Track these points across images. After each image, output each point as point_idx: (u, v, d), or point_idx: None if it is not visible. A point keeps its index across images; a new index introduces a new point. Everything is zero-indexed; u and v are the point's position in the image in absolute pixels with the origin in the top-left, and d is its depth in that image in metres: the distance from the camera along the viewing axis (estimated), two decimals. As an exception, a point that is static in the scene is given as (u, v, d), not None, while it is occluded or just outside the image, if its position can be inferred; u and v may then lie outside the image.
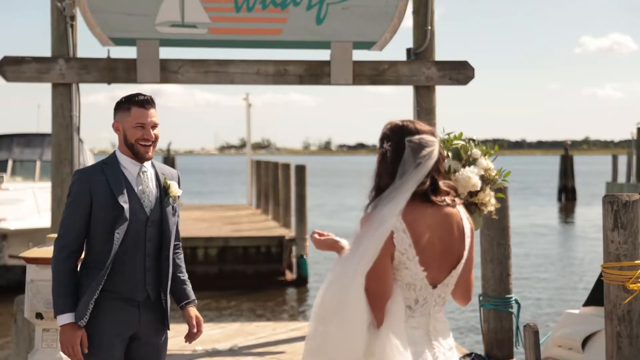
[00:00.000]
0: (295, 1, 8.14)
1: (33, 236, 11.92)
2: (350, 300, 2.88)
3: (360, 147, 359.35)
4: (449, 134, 3.22)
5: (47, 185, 14.16)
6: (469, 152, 3.32)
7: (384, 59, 8.40)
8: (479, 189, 3.26)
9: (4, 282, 15.35)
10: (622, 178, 39.44)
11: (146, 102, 3.87)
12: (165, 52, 8.11)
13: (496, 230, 6.86)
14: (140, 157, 3.87)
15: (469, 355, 6.82)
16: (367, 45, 8.29)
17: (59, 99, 8.11)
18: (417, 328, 2.96)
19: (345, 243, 3.07)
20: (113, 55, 8.17)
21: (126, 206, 3.76)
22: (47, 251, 5.69)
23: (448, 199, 2.96)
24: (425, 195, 2.91)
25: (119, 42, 8.04)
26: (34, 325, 6.01)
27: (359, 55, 8.33)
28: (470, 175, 3.27)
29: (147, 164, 3.92)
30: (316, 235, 3.12)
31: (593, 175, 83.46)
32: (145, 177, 3.89)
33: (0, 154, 18.25)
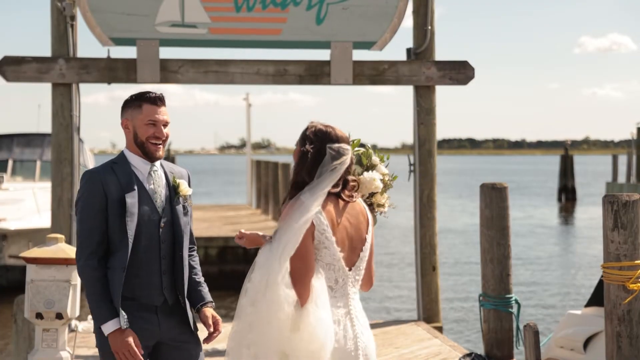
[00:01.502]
0: (295, 1, 8.14)
1: (33, 236, 11.92)
2: (277, 281, 3.19)
3: (360, 147, 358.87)
4: (353, 141, 3.59)
5: (47, 185, 14.15)
6: (369, 159, 3.71)
7: (384, 58, 8.41)
8: (379, 190, 3.64)
9: (4, 282, 15.34)
10: (622, 178, 39.44)
11: (158, 100, 3.78)
12: (165, 52, 8.14)
13: (496, 230, 6.87)
14: (150, 156, 3.77)
15: (469, 355, 6.82)
16: (367, 45, 8.30)
17: (59, 99, 8.11)
18: (340, 307, 3.31)
19: (266, 236, 3.41)
20: (113, 55, 8.18)
21: (134, 202, 3.67)
22: (47, 251, 5.69)
23: (355, 195, 3.40)
24: (337, 193, 3.34)
25: (119, 42, 8.04)
26: (33, 325, 6.01)
27: (359, 55, 8.34)
28: (375, 177, 3.62)
29: (157, 163, 3.83)
30: (241, 238, 3.46)
31: (593, 175, 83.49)
32: (156, 176, 3.80)
33: (1, 154, 18.24)
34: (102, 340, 3.65)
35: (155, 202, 3.73)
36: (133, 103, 3.78)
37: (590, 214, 37.29)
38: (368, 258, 3.43)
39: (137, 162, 3.77)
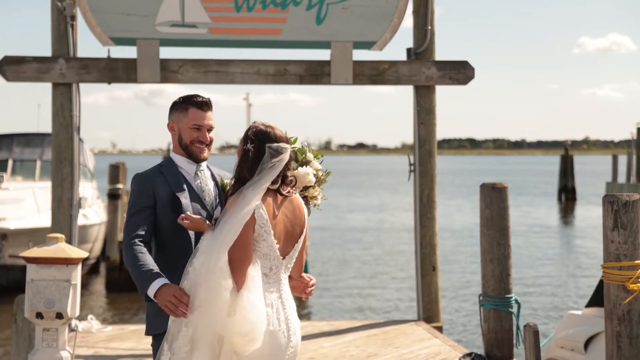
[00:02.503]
0: (295, 1, 8.14)
1: (33, 236, 11.92)
2: (216, 267, 3.41)
3: (360, 147, 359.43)
4: (290, 138, 3.83)
5: (47, 185, 14.15)
6: (304, 155, 3.95)
7: (384, 58, 8.42)
8: (313, 184, 3.90)
9: (4, 281, 15.34)
10: (622, 178, 39.44)
11: (204, 104, 3.84)
12: (166, 52, 8.14)
13: (496, 230, 6.87)
14: (195, 158, 3.85)
15: (469, 355, 6.82)
16: (367, 45, 8.30)
17: (59, 99, 8.11)
18: (273, 292, 3.56)
19: (209, 224, 3.63)
20: (113, 55, 8.18)
21: (187, 202, 3.74)
22: (47, 251, 5.69)
23: (292, 190, 3.66)
24: (277, 189, 3.60)
25: (119, 41, 8.04)
26: (34, 325, 6.01)
27: (359, 55, 8.35)
28: (308, 172, 3.86)
29: (203, 164, 3.90)
30: (185, 219, 3.60)
31: (593, 175, 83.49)
32: (203, 175, 3.87)
33: (1, 154, 18.26)
34: (152, 322, 3.75)
35: (204, 200, 3.81)
36: (180, 106, 3.86)
37: (590, 214, 37.29)
38: (300, 249, 3.71)
39: (183, 163, 3.86)
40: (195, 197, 3.79)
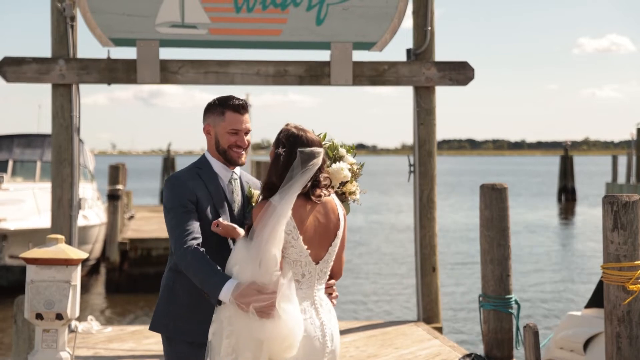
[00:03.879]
0: (295, 2, 8.14)
1: (33, 237, 11.91)
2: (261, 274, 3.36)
3: (360, 147, 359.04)
4: (319, 135, 3.72)
5: (47, 186, 14.17)
6: (335, 151, 3.85)
7: (384, 59, 8.42)
8: (348, 179, 3.79)
9: (4, 282, 15.34)
10: (622, 179, 39.44)
11: (241, 107, 3.74)
12: (165, 53, 8.14)
13: (496, 231, 6.86)
14: (232, 163, 3.78)
15: (469, 355, 6.82)
16: (367, 46, 8.30)
17: (59, 100, 8.11)
18: (305, 298, 3.49)
19: (241, 231, 3.59)
20: (113, 56, 8.17)
21: (222, 214, 3.67)
22: (47, 252, 5.69)
23: (325, 192, 3.54)
24: (306, 194, 3.49)
25: (119, 42, 8.04)
26: (34, 325, 6.01)
27: (359, 55, 8.34)
28: (343, 167, 3.76)
29: (237, 170, 3.84)
30: (217, 225, 3.58)
31: (593, 176, 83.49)
32: (236, 185, 3.81)
33: (1, 155, 18.27)
34: (159, 321, 3.70)
35: (233, 211, 3.76)
36: (216, 109, 3.77)
37: (590, 214, 37.29)
38: (338, 251, 3.63)
39: (219, 169, 3.79)
40: (228, 208, 3.73)
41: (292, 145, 3.47)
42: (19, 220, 15.06)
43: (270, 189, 3.47)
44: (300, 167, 3.44)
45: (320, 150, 3.52)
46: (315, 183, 3.51)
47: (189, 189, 3.64)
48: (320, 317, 3.51)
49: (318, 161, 3.49)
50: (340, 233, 3.58)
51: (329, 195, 3.58)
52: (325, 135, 3.82)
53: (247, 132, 3.78)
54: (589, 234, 28.87)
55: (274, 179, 3.47)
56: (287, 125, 3.58)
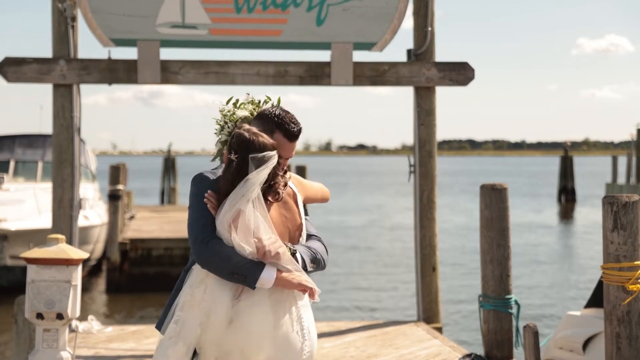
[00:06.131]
0: (295, 2, 8.15)
1: (34, 237, 11.93)
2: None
3: (360, 147, 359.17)
4: (259, 102, 3.78)
5: (48, 186, 14.14)
6: (257, 108, 3.81)
7: (384, 60, 8.43)
8: (250, 113, 3.75)
9: (5, 282, 15.36)
10: (621, 179, 39.44)
11: (293, 136, 3.58)
12: (166, 53, 8.15)
13: (496, 231, 6.87)
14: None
15: (468, 355, 6.83)
16: (368, 46, 8.31)
17: (59, 100, 8.12)
18: (277, 295, 3.42)
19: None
20: (114, 56, 8.19)
21: None
22: (48, 252, 5.70)
23: (281, 189, 3.50)
24: (264, 196, 3.46)
25: (120, 43, 8.06)
26: (34, 325, 6.02)
27: (359, 56, 8.36)
28: (244, 114, 3.74)
29: None
30: (211, 196, 3.50)
31: (593, 176, 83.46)
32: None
33: (2, 155, 18.28)
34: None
35: None
36: (269, 123, 3.58)
37: (590, 215, 37.29)
38: (312, 198, 3.75)
39: None
40: None
41: (244, 151, 3.38)
42: (19, 220, 15.07)
43: (224, 196, 3.41)
44: (254, 171, 3.38)
45: (273, 153, 3.42)
46: (270, 185, 3.45)
47: (213, 187, 3.58)
48: (299, 308, 3.46)
49: (270, 164, 3.40)
50: (303, 232, 3.60)
51: (287, 183, 3.57)
52: (252, 101, 3.80)
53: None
54: (589, 234, 28.87)
55: (227, 184, 3.40)
56: (240, 128, 3.48)
